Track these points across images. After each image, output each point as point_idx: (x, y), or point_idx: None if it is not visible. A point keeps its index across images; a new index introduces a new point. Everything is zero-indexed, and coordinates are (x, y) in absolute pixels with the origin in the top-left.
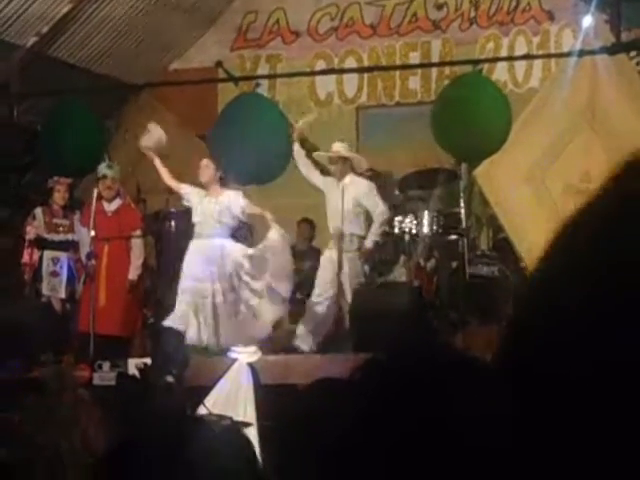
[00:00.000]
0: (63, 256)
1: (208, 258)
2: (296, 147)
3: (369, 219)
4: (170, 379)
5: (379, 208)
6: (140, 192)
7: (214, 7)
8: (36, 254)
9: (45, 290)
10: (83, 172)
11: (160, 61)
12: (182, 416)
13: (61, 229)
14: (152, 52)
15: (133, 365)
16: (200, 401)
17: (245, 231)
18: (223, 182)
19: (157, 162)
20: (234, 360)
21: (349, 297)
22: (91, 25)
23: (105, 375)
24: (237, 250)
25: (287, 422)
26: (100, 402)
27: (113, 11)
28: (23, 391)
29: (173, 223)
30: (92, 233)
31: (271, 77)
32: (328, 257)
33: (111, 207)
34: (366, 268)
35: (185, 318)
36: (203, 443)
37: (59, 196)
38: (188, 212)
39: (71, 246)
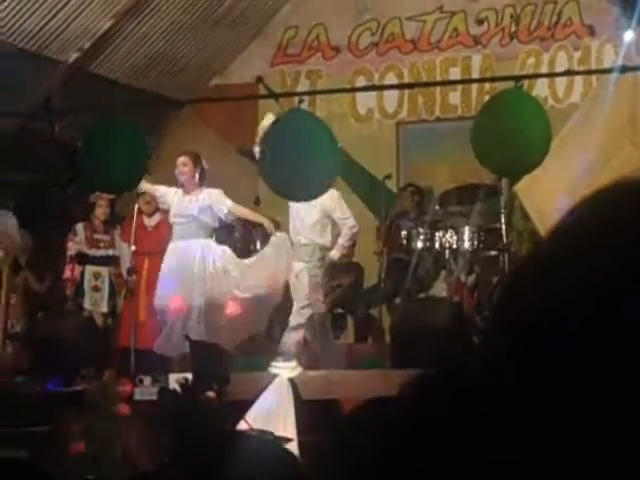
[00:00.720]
0: (104, 271)
1: (187, 259)
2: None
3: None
4: (211, 394)
5: (349, 221)
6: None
7: (255, 23)
8: (77, 269)
9: (87, 305)
10: (125, 189)
11: (201, 77)
12: (223, 431)
13: (102, 244)
14: (193, 68)
15: (174, 380)
16: (241, 416)
17: (230, 233)
18: (203, 180)
19: None
20: (275, 375)
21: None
22: (133, 41)
23: (146, 390)
24: (219, 252)
25: (339, 442)
26: (141, 417)
27: (155, 26)
28: (65, 405)
29: (213, 237)
30: (132, 248)
31: (311, 93)
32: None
33: (151, 222)
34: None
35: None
36: (245, 458)
37: (101, 211)
38: (229, 227)
39: (112, 261)
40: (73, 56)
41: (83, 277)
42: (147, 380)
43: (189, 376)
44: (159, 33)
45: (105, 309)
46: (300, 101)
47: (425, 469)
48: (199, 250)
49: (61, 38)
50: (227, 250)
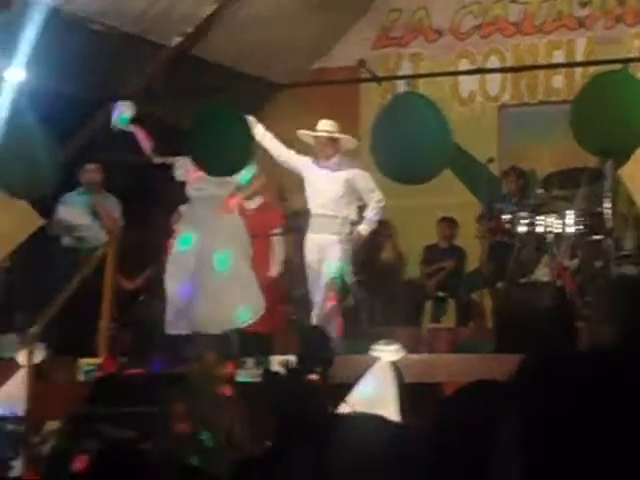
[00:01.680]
0: None
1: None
2: (260, 129)
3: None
4: (315, 377)
5: (375, 194)
6: (282, 191)
7: (358, 5)
8: None
9: None
10: (231, 172)
11: (302, 60)
12: (326, 414)
13: None
14: (295, 51)
15: (276, 362)
16: (343, 399)
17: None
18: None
19: (138, 136)
20: (377, 358)
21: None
22: (235, 24)
23: (249, 372)
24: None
25: (445, 424)
26: (243, 399)
27: (258, 9)
28: (168, 387)
29: None
30: None
31: (413, 77)
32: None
33: (252, 205)
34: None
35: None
36: (348, 440)
37: None
38: None
39: None
40: (176, 40)
41: None
42: (250, 362)
43: (292, 358)
44: (262, 16)
45: None
46: (407, 84)
47: (535, 454)
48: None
49: (164, 22)
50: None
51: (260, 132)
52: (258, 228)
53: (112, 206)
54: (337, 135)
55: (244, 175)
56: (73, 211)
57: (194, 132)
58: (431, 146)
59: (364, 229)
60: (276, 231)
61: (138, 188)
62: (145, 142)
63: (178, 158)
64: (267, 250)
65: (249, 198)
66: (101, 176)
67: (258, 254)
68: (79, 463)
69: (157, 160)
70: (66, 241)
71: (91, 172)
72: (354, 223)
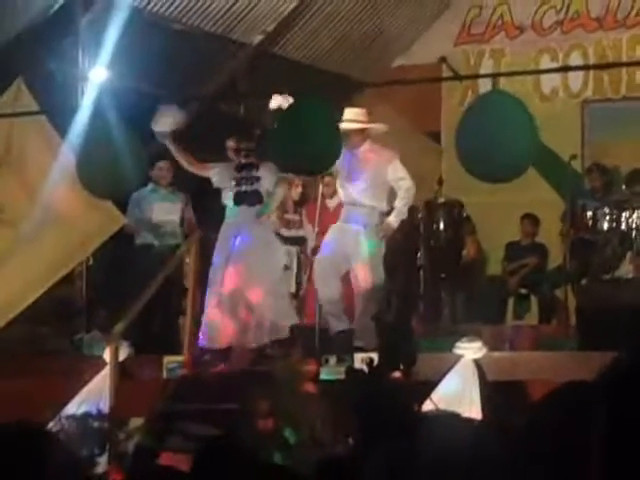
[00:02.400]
0: (294, 250)
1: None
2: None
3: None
4: (398, 374)
5: (405, 182)
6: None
7: (439, 2)
8: None
9: None
10: (319, 171)
11: (384, 57)
12: (409, 412)
13: (292, 224)
14: (376, 48)
15: (359, 359)
16: (426, 397)
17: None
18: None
19: (172, 149)
20: (460, 356)
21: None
22: (317, 21)
23: (332, 369)
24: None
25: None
26: (327, 396)
27: (339, 7)
28: (252, 384)
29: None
30: (316, 229)
31: (495, 75)
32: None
33: (332, 203)
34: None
35: None
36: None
37: (294, 191)
38: (410, 208)
39: (301, 241)
40: (258, 38)
41: None
42: (332, 360)
43: (375, 356)
44: (343, 13)
45: (293, 289)
46: (494, 83)
47: (632, 456)
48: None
49: (246, 20)
50: None
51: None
52: None
53: (182, 203)
54: (358, 126)
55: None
56: (158, 214)
57: (279, 130)
58: (517, 145)
59: (394, 220)
60: None
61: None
62: (181, 157)
63: (215, 168)
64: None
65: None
66: (171, 174)
67: None
68: (164, 460)
69: (198, 172)
70: (142, 238)
71: (164, 170)
72: (385, 214)
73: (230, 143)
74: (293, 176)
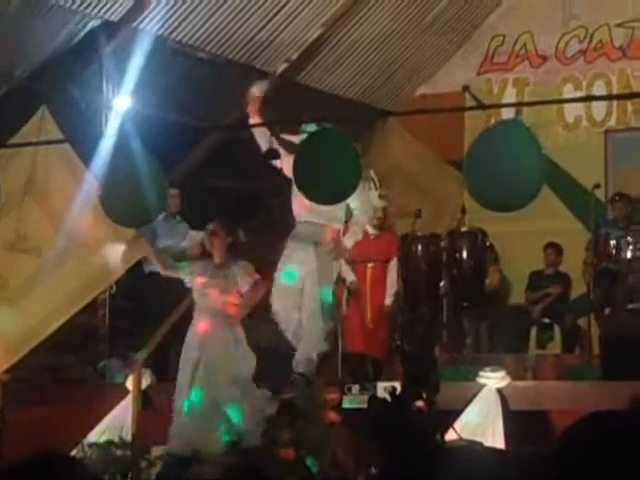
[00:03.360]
0: None
1: None
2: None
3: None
4: (421, 403)
5: (364, 205)
6: (387, 216)
7: (462, 31)
8: None
9: None
10: (339, 199)
11: (407, 86)
12: (433, 440)
13: None
14: (400, 77)
15: (382, 388)
16: (450, 426)
17: None
18: None
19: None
20: (483, 385)
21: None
22: (340, 50)
23: (354, 398)
24: None
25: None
26: (349, 425)
27: (362, 36)
28: (275, 412)
29: (419, 247)
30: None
31: (518, 105)
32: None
33: (374, 231)
34: (340, 269)
35: None
36: (455, 468)
37: None
38: (434, 237)
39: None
40: (281, 67)
41: None
42: (355, 388)
43: (397, 385)
44: (367, 42)
45: None
46: (518, 111)
47: None
48: None
49: (270, 49)
50: None
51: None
52: (376, 254)
53: (184, 232)
54: None
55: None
56: (164, 235)
57: (301, 159)
58: (521, 175)
59: (348, 240)
60: (392, 258)
61: (247, 215)
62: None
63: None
64: (383, 276)
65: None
66: (179, 201)
67: (377, 280)
68: None
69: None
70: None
71: (173, 197)
72: (338, 232)
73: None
74: None
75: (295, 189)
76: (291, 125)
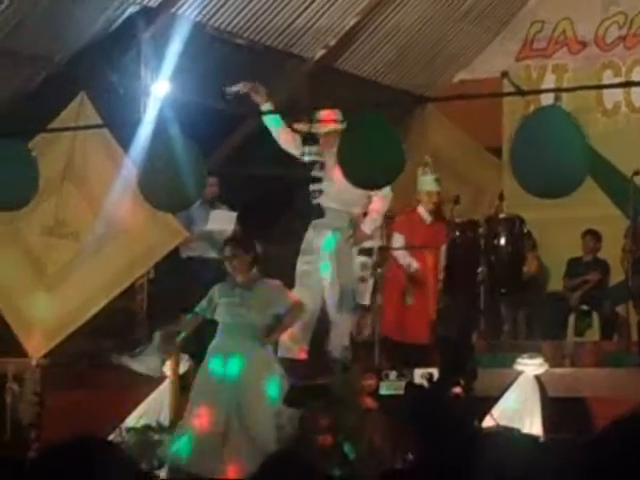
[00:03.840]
0: (369, 263)
1: None
2: (283, 137)
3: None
4: (458, 390)
5: (385, 190)
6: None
7: (501, 17)
8: None
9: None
10: (382, 185)
11: (445, 72)
12: (470, 427)
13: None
14: (438, 63)
15: (419, 375)
16: (487, 413)
17: None
18: None
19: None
20: (520, 372)
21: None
22: (379, 36)
23: (391, 384)
24: None
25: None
26: (386, 411)
27: (400, 22)
28: (311, 397)
29: (457, 234)
30: (401, 241)
31: (557, 91)
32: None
33: (430, 217)
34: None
35: None
36: (493, 454)
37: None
38: (472, 223)
39: (378, 252)
40: (319, 53)
41: None
42: (392, 375)
43: (434, 371)
44: (405, 28)
45: (367, 302)
46: (557, 98)
47: None
48: None
49: (308, 35)
50: None
51: (284, 142)
52: (430, 240)
53: (229, 217)
54: (333, 127)
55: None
56: (214, 222)
57: (344, 145)
58: (567, 162)
59: (368, 227)
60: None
61: (285, 202)
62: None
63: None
64: (436, 262)
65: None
66: (218, 190)
67: (433, 267)
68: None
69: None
70: (191, 251)
71: (212, 185)
72: (358, 219)
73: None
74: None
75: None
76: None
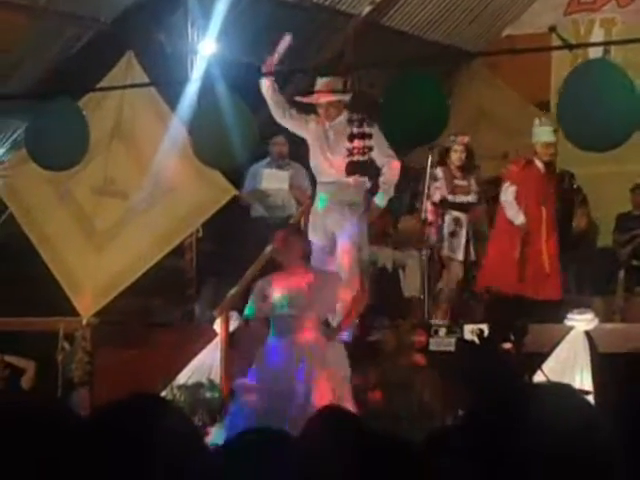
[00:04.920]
0: (463, 217)
1: None
2: (265, 82)
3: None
4: (508, 345)
5: (391, 161)
6: (473, 158)
7: None
8: (439, 215)
9: (445, 251)
10: (427, 141)
11: (492, 27)
12: (521, 382)
13: (459, 190)
14: (484, 18)
15: (469, 331)
16: (537, 367)
17: None
18: None
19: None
20: (571, 327)
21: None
22: None
23: (441, 341)
24: None
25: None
26: (436, 368)
27: None
28: (360, 354)
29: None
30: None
31: (605, 44)
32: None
33: (544, 169)
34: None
35: None
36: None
37: (456, 156)
38: None
39: (470, 207)
40: (366, 9)
41: (442, 223)
42: (442, 331)
43: (484, 327)
44: None
45: (460, 257)
46: (606, 51)
47: None
48: None
49: None
50: None
51: (267, 83)
52: (544, 193)
53: (301, 177)
54: (335, 97)
55: None
56: (262, 181)
57: (387, 104)
58: (615, 115)
59: (380, 200)
60: None
61: None
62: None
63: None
64: (551, 215)
65: None
66: (287, 147)
67: (549, 221)
68: None
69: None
70: (256, 211)
71: (280, 145)
72: (369, 191)
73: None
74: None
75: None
76: (377, 67)
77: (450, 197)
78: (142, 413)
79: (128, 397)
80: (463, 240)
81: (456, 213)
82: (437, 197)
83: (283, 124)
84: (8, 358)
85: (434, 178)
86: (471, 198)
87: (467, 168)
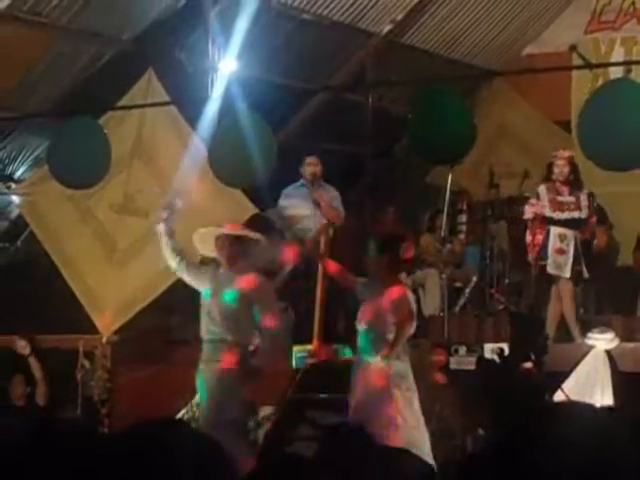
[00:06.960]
0: (570, 233)
1: None
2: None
3: None
4: (529, 364)
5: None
6: (493, 177)
7: None
8: (542, 232)
9: (550, 269)
10: (454, 159)
11: (513, 46)
12: (541, 401)
13: (566, 206)
14: (505, 37)
15: (489, 350)
16: (558, 386)
17: None
18: None
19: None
20: (591, 346)
21: None
22: (446, 10)
23: (461, 359)
24: None
25: None
26: (457, 386)
27: None
28: None
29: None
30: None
31: (626, 64)
32: None
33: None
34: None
35: None
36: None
37: (558, 171)
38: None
39: (579, 224)
40: (386, 27)
41: (548, 240)
42: (462, 350)
43: (504, 346)
44: (472, 2)
45: (568, 274)
46: (628, 71)
47: None
48: None
49: (375, 10)
50: None
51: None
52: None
53: (332, 196)
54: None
55: None
56: (295, 203)
57: (415, 120)
58: (637, 134)
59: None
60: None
61: (352, 177)
62: None
63: None
64: None
65: None
66: (321, 168)
67: None
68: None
69: None
70: (288, 233)
71: (313, 165)
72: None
73: None
74: None
75: None
76: (398, 85)
77: (555, 214)
78: (158, 441)
79: (142, 425)
80: (571, 257)
81: (561, 229)
82: (529, 215)
83: (178, 274)
84: (31, 359)
85: (537, 197)
86: (577, 214)
87: (573, 183)
